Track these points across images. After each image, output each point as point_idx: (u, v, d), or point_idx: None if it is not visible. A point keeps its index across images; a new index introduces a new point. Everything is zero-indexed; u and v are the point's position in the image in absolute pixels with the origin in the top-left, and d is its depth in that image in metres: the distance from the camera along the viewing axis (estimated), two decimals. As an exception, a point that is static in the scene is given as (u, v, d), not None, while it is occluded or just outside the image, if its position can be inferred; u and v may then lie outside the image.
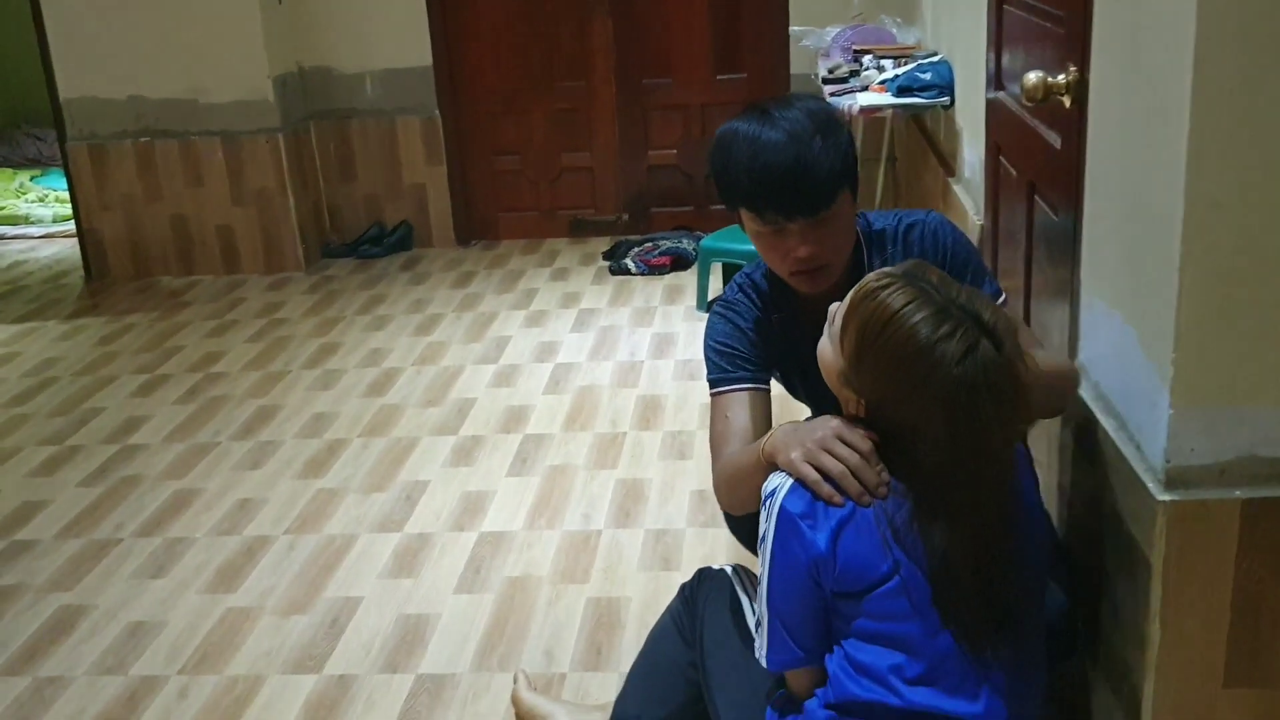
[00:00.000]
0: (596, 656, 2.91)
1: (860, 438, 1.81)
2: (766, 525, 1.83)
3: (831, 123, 2.15)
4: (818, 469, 1.81)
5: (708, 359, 2.34)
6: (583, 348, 5.02)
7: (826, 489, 1.79)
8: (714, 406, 2.30)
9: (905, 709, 1.79)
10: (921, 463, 1.75)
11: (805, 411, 2.53)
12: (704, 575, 2.32)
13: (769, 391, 2.32)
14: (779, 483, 1.84)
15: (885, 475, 1.79)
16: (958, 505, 1.75)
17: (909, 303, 1.72)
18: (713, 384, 2.31)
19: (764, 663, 1.87)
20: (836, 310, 1.87)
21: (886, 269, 1.83)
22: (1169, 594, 1.84)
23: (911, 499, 1.77)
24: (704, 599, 2.27)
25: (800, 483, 1.82)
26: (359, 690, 2.83)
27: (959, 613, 1.77)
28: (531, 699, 2.63)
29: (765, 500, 1.85)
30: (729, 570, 2.30)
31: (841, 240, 2.21)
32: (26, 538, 3.66)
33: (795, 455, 1.85)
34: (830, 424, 1.85)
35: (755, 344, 2.31)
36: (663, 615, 2.38)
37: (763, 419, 2.25)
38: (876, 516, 1.78)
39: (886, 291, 1.75)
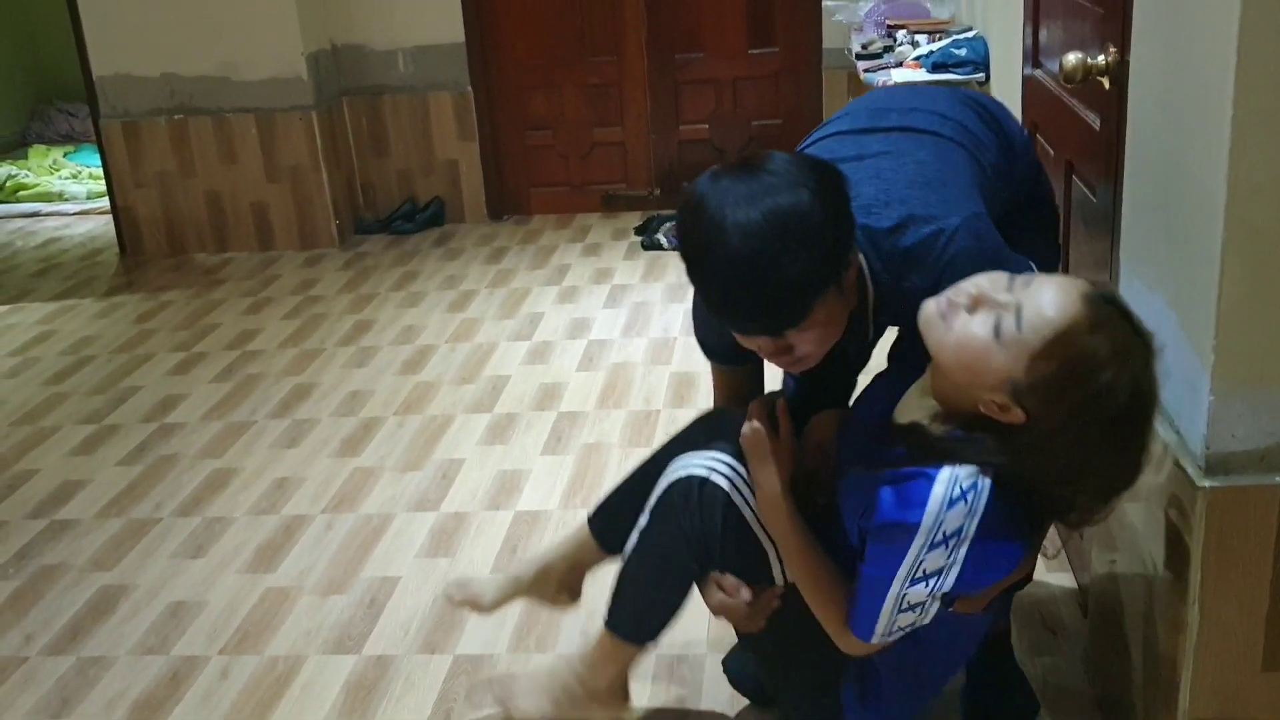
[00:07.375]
0: (633, 636, 2.91)
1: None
2: (969, 519, 1.79)
3: (806, 210, 1.75)
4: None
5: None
6: (615, 324, 5.03)
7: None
8: None
9: None
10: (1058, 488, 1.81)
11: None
12: (700, 492, 2.10)
13: (742, 368, 2.28)
14: (969, 504, 1.79)
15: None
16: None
17: (1116, 353, 1.68)
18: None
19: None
20: (1010, 306, 1.71)
21: (1091, 289, 1.72)
22: (1208, 580, 1.85)
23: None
24: (715, 524, 2.10)
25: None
26: (398, 671, 2.85)
27: None
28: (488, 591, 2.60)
29: (961, 503, 1.78)
30: (723, 484, 2.10)
31: (824, 337, 1.90)
32: (67, 517, 3.69)
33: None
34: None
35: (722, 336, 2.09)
36: (666, 529, 2.15)
37: (728, 389, 2.35)
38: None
39: (1098, 337, 1.68)
